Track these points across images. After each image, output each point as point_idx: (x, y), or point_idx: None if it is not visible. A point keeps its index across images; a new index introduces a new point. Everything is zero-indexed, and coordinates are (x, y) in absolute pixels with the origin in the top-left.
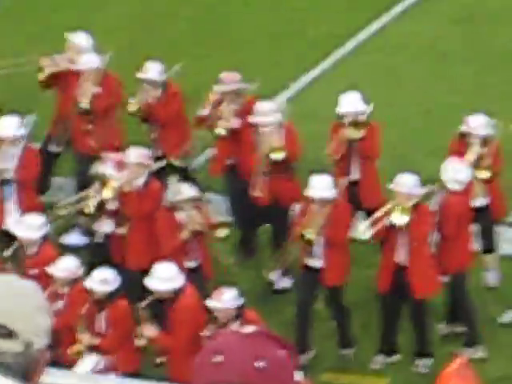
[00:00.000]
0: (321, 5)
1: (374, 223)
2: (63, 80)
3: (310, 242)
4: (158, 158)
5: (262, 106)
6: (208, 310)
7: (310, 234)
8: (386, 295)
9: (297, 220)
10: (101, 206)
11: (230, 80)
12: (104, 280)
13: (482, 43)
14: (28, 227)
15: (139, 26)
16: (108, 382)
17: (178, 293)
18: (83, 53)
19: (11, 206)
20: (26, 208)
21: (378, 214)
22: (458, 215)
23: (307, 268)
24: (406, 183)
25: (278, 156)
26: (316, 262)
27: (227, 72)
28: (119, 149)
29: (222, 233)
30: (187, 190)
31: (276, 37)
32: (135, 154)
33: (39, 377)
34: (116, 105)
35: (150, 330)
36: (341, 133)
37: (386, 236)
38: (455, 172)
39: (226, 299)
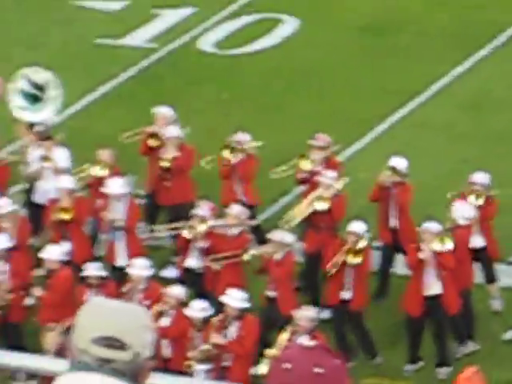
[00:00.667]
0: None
1: None
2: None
3: None
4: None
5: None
6: None
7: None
8: (415, 317)
9: None
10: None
11: (323, 141)
12: (202, 308)
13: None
14: (139, 267)
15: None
16: None
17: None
18: (169, 124)
19: (120, 248)
20: (133, 249)
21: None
22: (467, 243)
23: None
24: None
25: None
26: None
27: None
28: (193, 201)
29: None
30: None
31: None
32: (237, 210)
33: (145, 380)
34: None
35: (219, 339)
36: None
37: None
38: (463, 211)
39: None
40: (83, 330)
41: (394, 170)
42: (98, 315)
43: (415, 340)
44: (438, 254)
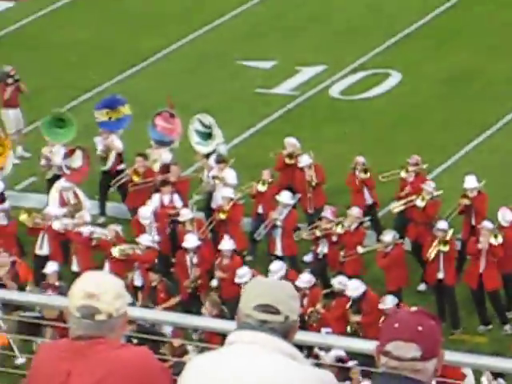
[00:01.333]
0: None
1: None
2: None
3: None
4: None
5: None
6: None
7: None
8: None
9: None
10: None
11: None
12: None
13: None
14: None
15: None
16: None
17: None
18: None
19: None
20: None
21: None
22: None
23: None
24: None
25: None
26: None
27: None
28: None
29: None
30: None
31: None
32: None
33: (293, 337)
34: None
35: (355, 317)
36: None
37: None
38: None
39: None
40: (247, 300)
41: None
42: (258, 289)
43: (480, 307)
44: (491, 246)
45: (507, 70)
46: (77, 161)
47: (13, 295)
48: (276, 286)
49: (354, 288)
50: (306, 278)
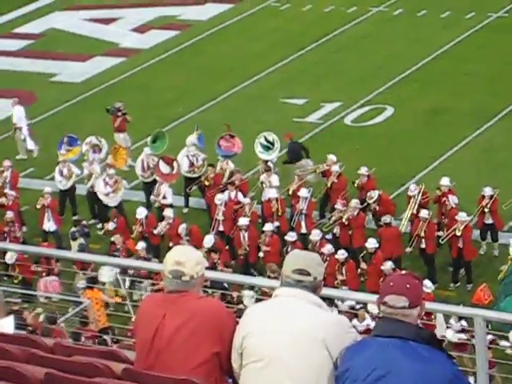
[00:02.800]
0: None
1: None
2: None
3: None
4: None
5: None
6: None
7: None
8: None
9: None
10: None
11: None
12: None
13: None
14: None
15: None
16: None
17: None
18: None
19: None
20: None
21: None
22: None
23: None
24: None
25: None
26: None
27: None
28: None
29: None
30: None
31: None
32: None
33: (320, 292)
34: None
35: (364, 265)
36: None
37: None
38: None
39: None
40: (288, 266)
41: None
42: (295, 258)
43: (455, 271)
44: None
45: (468, 107)
46: (175, 167)
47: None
48: (307, 256)
49: (372, 243)
50: (329, 247)
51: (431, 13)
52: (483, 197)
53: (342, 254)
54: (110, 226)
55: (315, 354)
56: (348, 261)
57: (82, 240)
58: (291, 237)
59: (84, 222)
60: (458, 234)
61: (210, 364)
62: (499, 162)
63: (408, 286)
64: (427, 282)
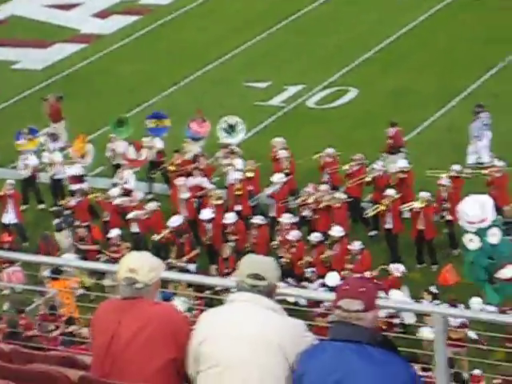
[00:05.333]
0: None
1: None
2: None
3: None
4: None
5: None
6: None
7: None
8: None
9: None
10: None
11: None
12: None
13: None
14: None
15: None
16: None
17: None
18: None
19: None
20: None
21: None
22: None
23: None
24: None
25: None
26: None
27: None
28: None
29: None
30: None
31: None
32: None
33: (275, 295)
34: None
35: (330, 252)
36: None
37: None
38: None
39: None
40: (242, 270)
41: None
42: (250, 262)
43: (419, 252)
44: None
45: (432, 87)
46: (143, 154)
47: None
48: (262, 261)
49: (337, 231)
50: (295, 233)
51: None
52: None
53: (315, 237)
54: (73, 201)
55: (272, 359)
56: (319, 245)
57: (67, 231)
58: (261, 220)
59: (66, 212)
60: (419, 205)
61: (166, 370)
62: (462, 142)
63: (362, 289)
64: (399, 266)
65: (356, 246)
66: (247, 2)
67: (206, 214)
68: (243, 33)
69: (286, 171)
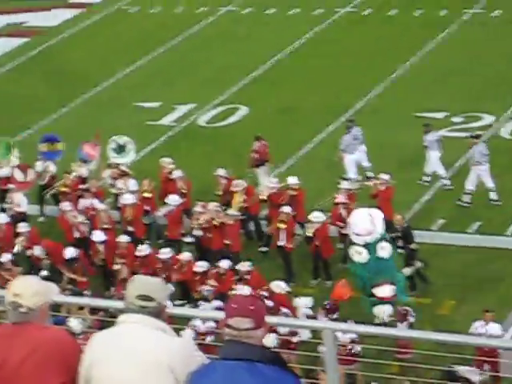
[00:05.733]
0: None
1: None
2: None
3: None
4: None
5: None
6: None
7: None
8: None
9: None
10: None
11: None
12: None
13: None
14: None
15: None
16: None
17: None
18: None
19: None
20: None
21: None
22: None
23: None
24: None
25: None
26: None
27: None
28: None
29: None
30: None
31: None
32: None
33: (165, 317)
34: None
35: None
36: None
37: None
38: None
39: None
40: (131, 292)
41: None
42: (138, 284)
43: (315, 267)
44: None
45: (319, 104)
46: (29, 175)
47: None
48: (150, 281)
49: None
50: (186, 255)
51: (278, 10)
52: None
53: (200, 267)
54: None
55: (162, 380)
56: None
57: None
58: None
59: None
60: (310, 234)
61: None
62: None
63: (252, 307)
64: (280, 283)
65: (246, 266)
66: (135, 22)
67: (98, 235)
68: (131, 53)
69: (183, 191)
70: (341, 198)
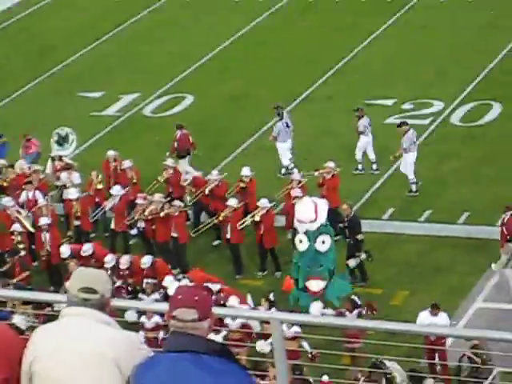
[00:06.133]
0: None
1: None
2: None
3: None
4: None
5: None
6: None
7: None
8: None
9: None
10: None
11: None
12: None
13: None
14: None
15: None
16: None
17: None
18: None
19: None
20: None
21: None
22: None
23: None
24: None
25: None
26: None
27: None
28: None
29: None
30: None
31: None
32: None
33: (109, 310)
34: None
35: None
36: None
37: None
38: None
39: None
40: (73, 284)
41: None
42: (81, 276)
43: (262, 259)
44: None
45: (269, 91)
46: None
47: None
48: (93, 273)
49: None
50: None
51: None
52: (291, 181)
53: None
54: None
55: (107, 374)
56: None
57: None
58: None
59: None
60: (257, 219)
61: None
62: (302, 145)
63: (197, 298)
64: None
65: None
66: (78, 10)
67: (44, 220)
68: (74, 42)
69: (134, 181)
70: (296, 191)
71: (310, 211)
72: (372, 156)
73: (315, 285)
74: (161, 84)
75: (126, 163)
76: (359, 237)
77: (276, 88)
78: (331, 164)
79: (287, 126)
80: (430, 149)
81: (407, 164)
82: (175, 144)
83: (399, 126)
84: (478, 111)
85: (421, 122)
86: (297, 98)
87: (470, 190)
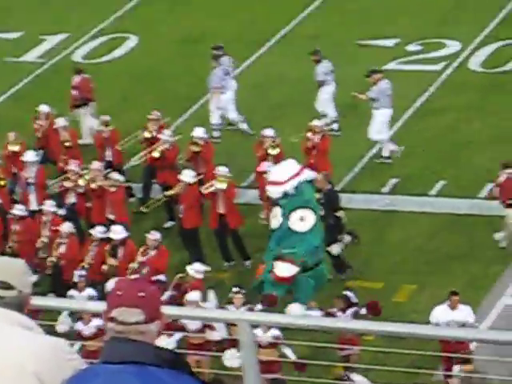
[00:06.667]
0: None
1: None
2: None
3: None
4: None
5: None
6: None
7: None
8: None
9: None
10: None
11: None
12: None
13: None
14: None
15: None
16: None
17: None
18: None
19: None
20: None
21: None
22: None
23: None
24: None
25: None
26: None
27: None
28: None
29: None
30: None
31: None
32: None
33: (27, 309)
34: None
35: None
36: None
37: None
38: None
39: None
40: None
41: None
42: None
43: (222, 245)
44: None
45: (235, 31)
46: None
47: None
48: (8, 264)
49: (118, 232)
50: (65, 226)
51: None
52: (262, 140)
53: (98, 232)
54: None
55: None
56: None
57: None
58: (20, 210)
59: None
60: (220, 186)
61: None
62: (276, 99)
63: (141, 294)
64: (197, 265)
65: (155, 236)
66: None
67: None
68: None
69: (67, 144)
70: (263, 165)
71: (283, 173)
72: (331, 111)
73: (284, 269)
74: (95, 22)
75: (60, 122)
76: (339, 214)
77: (241, 27)
78: (319, 122)
79: (225, 73)
80: (441, 102)
81: (379, 123)
82: (74, 92)
83: (368, 76)
84: (503, 54)
85: (431, 67)
86: (271, 38)
87: (495, 155)
